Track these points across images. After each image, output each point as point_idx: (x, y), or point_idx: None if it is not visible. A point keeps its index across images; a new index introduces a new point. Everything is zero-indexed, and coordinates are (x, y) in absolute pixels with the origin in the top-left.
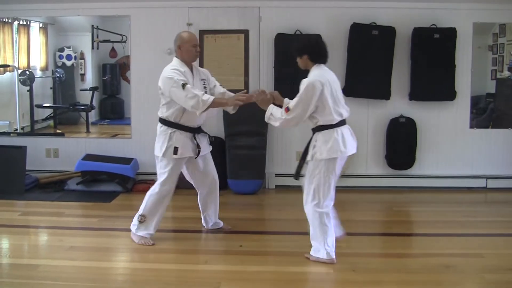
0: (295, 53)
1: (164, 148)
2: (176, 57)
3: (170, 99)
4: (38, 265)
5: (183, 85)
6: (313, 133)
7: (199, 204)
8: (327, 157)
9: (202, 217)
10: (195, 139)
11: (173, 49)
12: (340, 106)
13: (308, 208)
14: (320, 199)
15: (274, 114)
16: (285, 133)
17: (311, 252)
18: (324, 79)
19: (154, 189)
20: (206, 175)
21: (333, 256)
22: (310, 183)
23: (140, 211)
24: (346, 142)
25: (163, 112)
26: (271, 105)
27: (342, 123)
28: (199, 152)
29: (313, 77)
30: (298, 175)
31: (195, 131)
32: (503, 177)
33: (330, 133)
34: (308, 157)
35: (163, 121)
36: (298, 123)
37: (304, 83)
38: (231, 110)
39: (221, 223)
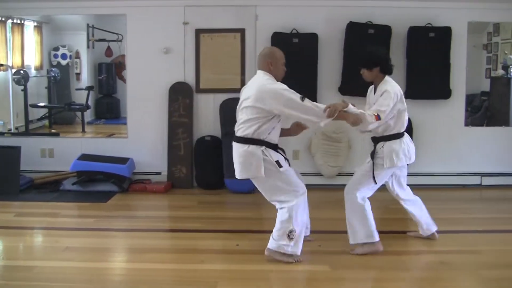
0: (365, 65)
1: (262, 167)
2: (263, 71)
3: (263, 115)
4: (33, 266)
5: (302, 98)
6: (379, 141)
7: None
8: (398, 165)
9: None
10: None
11: (168, 49)
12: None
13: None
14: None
15: (366, 115)
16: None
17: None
18: (396, 88)
19: (284, 203)
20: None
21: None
22: (370, 180)
23: (288, 224)
24: (411, 150)
25: (248, 131)
26: (354, 109)
27: (403, 134)
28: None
29: (393, 87)
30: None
31: (276, 147)
32: (498, 175)
33: (401, 142)
34: (380, 163)
35: (250, 140)
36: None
37: (388, 92)
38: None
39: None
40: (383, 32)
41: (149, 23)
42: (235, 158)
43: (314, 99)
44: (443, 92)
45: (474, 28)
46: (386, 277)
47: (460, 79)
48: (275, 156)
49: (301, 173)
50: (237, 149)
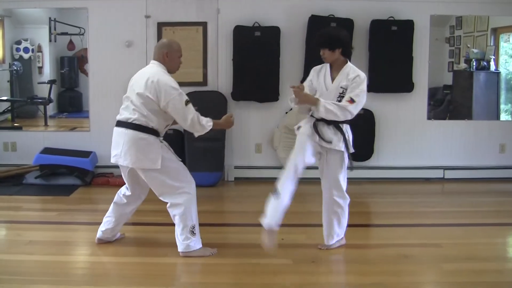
0: (327, 45)
1: (159, 159)
2: (157, 61)
3: (158, 109)
4: None
5: (187, 102)
6: (338, 124)
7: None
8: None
9: (110, 226)
10: None
11: (131, 42)
12: None
13: (342, 198)
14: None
15: (339, 104)
16: (244, 125)
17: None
18: None
19: (178, 198)
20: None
21: None
22: (341, 173)
23: (188, 223)
24: None
25: (149, 121)
26: (320, 100)
27: None
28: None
29: (362, 72)
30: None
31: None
32: (460, 168)
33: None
34: (340, 147)
35: (151, 131)
36: (350, 117)
37: (361, 78)
38: None
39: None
40: (345, 25)
41: (111, 17)
42: (130, 146)
43: (276, 92)
44: (405, 85)
45: (437, 22)
46: (349, 270)
47: (422, 73)
48: (168, 148)
49: (264, 167)
50: (135, 136)
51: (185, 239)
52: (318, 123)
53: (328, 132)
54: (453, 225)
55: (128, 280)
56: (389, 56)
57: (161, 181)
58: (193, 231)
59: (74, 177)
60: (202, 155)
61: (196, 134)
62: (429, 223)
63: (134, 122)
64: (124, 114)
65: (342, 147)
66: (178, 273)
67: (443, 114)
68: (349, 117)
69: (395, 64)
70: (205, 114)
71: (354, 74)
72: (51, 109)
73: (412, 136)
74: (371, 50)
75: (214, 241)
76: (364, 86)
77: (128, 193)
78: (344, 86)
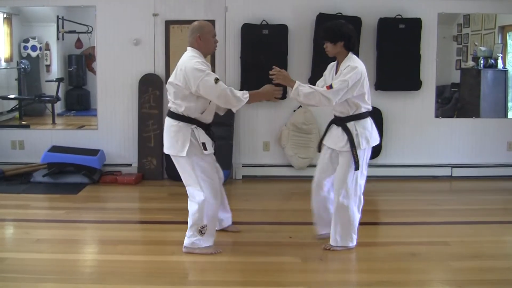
0: (329, 38)
1: (187, 146)
2: (191, 47)
3: (189, 93)
4: (4, 258)
5: (216, 80)
6: (346, 121)
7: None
8: (372, 144)
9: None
10: (209, 135)
11: (139, 40)
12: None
13: (347, 199)
14: (359, 188)
15: (315, 89)
16: (252, 124)
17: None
18: (364, 68)
19: (196, 196)
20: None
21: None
22: (349, 174)
23: (199, 222)
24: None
25: (179, 107)
26: (298, 82)
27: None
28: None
29: (358, 63)
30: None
31: (208, 127)
32: (468, 166)
33: (368, 121)
34: (345, 147)
35: (180, 117)
36: (333, 104)
37: (351, 67)
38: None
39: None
40: (353, 23)
41: (118, 15)
42: (165, 133)
43: (284, 91)
44: (413, 83)
45: (444, 20)
46: (356, 268)
47: (430, 71)
48: (203, 137)
49: (271, 165)
50: (168, 124)
51: (192, 236)
52: (332, 125)
53: (337, 132)
54: (461, 223)
55: (136, 278)
56: (397, 54)
57: (187, 170)
58: (201, 231)
59: (82, 175)
60: None
61: (234, 109)
62: (437, 221)
63: (170, 110)
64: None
65: (344, 147)
66: (186, 271)
67: (451, 112)
68: (327, 104)
69: (403, 62)
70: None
71: (347, 64)
72: (59, 107)
73: (419, 134)
74: (378, 48)
75: (222, 239)
76: (352, 75)
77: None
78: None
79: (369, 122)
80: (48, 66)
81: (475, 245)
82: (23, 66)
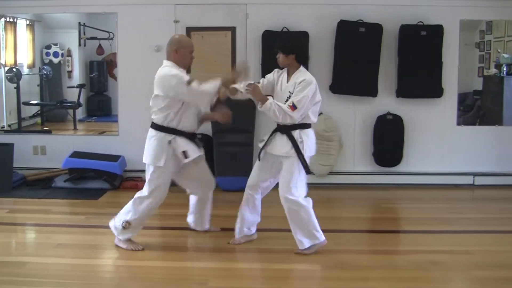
0: (282, 50)
1: (163, 157)
2: (167, 60)
3: (167, 102)
4: (25, 262)
5: (189, 82)
6: (292, 129)
7: (192, 206)
8: (313, 153)
9: (192, 218)
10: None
11: (160, 47)
12: None
13: (295, 200)
14: (303, 191)
15: (282, 107)
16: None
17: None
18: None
19: (144, 197)
20: (200, 178)
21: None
22: (296, 176)
23: (127, 216)
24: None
25: (158, 118)
26: (271, 98)
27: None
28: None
29: (309, 76)
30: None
31: (192, 137)
32: (490, 174)
33: (311, 132)
34: (287, 153)
35: (159, 127)
36: (295, 121)
37: (306, 81)
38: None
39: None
40: (374, 30)
41: (140, 22)
42: (146, 142)
43: None
44: (435, 90)
45: (467, 26)
46: (377, 276)
47: (452, 78)
48: (183, 146)
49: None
50: (149, 134)
51: (117, 223)
52: (276, 133)
53: (281, 139)
54: (483, 232)
55: (156, 284)
56: (418, 61)
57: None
58: (124, 226)
59: (103, 181)
60: (230, 160)
61: (207, 107)
62: (459, 230)
63: (152, 121)
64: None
65: (289, 153)
66: (206, 277)
67: (473, 120)
68: (289, 122)
69: (425, 69)
70: (233, 119)
71: (301, 78)
72: (80, 113)
73: (441, 142)
74: (400, 55)
75: (241, 246)
76: (308, 91)
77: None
78: (291, 90)
79: (312, 132)
80: (69, 72)
81: (498, 254)
82: (45, 72)
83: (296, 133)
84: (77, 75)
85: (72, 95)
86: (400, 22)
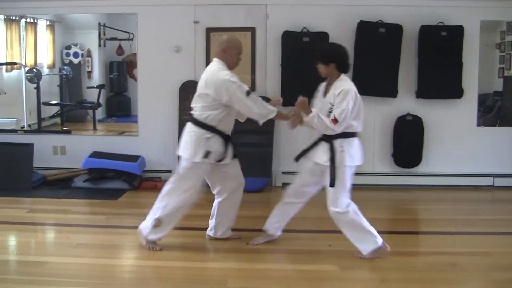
0: (321, 59)
1: (200, 153)
2: (217, 58)
3: (215, 104)
4: (45, 262)
5: (247, 93)
6: (334, 139)
7: (215, 210)
8: (356, 163)
9: (211, 224)
10: (226, 146)
11: (179, 47)
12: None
13: (339, 211)
14: (346, 199)
15: (324, 121)
16: (292, 131)
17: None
18: (355, 89)
19: (175, 193)
20: (231, 180)
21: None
22: (341, 188)
23: (157, 214)
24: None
25: (201, 115)
26: (315, 110)
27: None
28: (223, 159)
29: (350, 85)
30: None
31: (228, 138)
32: (510, 175)
33: (355, 141)
34: (327, 162)
35: (201, 124)
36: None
37: (344, 91)
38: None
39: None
40: (394, 31)
41: (160, 22)
42: (183, 136)
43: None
44: (455, 91)
45: (487, 27)
46: (396, 277)
47: (472, 79)
48: (214, 146)
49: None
50: (188, 129)
51: (147, 223)
52: (321, 141)
53: (324, 148)
54: (503, 234)
55: (175, 284)
56: (439, 62)
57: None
58: (155, 225)
59: (122, 181)
60: (249, 160)
61: (260, 122)
62: (478, 231)
63: (192, 116)
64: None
65: (327, 162)
66: (225, 278)
67: (493, 121)
68: (333, 133)
69: (445, 70)
70: (252, 120)
71: (339, 88)
72: (100, 113)
73: (461, 143)
74: (420, 56)
75: (261, 247)
76: (348, 102)
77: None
78: (332, 102)
79: (356, 141)
80: (89, 73)
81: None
82: (65, 72)
83: (337, 142)
84: (97, 76)
85: (92, 95)
86: (420, 22)
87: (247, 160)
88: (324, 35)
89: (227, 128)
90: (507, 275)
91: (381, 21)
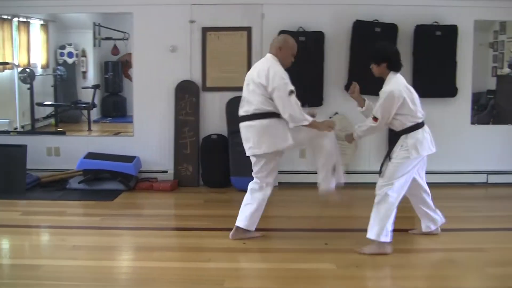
0: (373, 60)
1: (289, 135)
2: (271, 54)
3: (266, 94)
4: (40, 265)
5: (290, 92)
6: (400, 134)
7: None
8: (423, 153)
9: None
10: None
11: (175, 47)
12: (420, 107)
13: (383, 193)
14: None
15: (366, 122)
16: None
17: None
18: (401, 86)
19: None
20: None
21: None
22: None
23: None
24: (432, 141)
25: (267, 105)
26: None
27: (423, 123)
28: None
29: (392, 86)
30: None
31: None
32: (504, 173)
33: (419, 132)
34: (398, 158)
35: (271, 114)
36: (382, 130)
37: (384, 93)
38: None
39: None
40: (390, 30)
41: (155, 22)
42: (257, 134)
43: (320, 97)
44: (449, 90)
45: (481, 26)
46: (394, 275)
47: (466, 77)
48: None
49: (308, 171)
50: (259, 124)
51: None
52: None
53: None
54: (497, 230)
55: (172, 285)
56: (433, 61)
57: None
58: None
59: (118, 182)
60: (245, 160)
61: (291, 125)
62: (473, 228)
63: (254, 113)
64: (244, 108)
65: (394, 156)
66: (222, 278)
67: (487, 119)
68: (379, 131)
69: (439, 69)
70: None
71: (384, 88)
72: (95, 113)
73: (455, 141)
74: (415, 55)
75: (257, 246)
76: (384, 101)
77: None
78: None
79: (420, 132)
80: (84, 73)
81: (511, 251)
82: (59, 72)
83: (403, 137)
84: (92, 76)
85: (86, 95)
86: (415, 22)
87: (243, 159)
88: (320, 35)
89: None
90: (501, 270)
91: (377, 20)
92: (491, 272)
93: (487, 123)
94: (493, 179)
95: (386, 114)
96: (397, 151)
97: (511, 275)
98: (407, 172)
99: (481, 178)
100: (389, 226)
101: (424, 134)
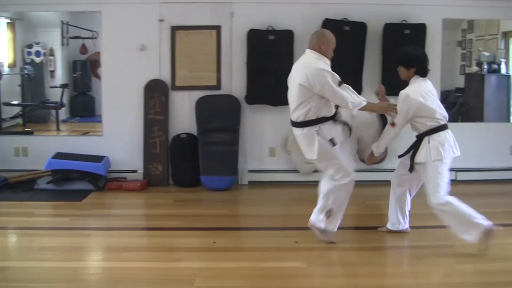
0: (403, 63)
1: (316, 147)
2: (311, 50)
3: (312, 94)
4: (7, 267)
5: (340, 83)
6: (423, 137)
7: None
8: (448, 155)
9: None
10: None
11: (144, 46)
12: (442, 110)
13: (436, 203)
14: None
15: (387, 127)
16: (258, 129)
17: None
18: (420, 90)
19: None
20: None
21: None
22: (431, 181)
23: (328, 205)
24: (456, 144)
25: (302, 115)
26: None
27: (447, 126)
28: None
29: (409, 90)
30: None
31: (332, 118)
32: (473, 170)
33: (440, 136)
34: (423, 159)
35: (304, 123)
36: (399, 135)
37: (401, 94)
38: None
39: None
40: (359, 29)
41: (124, 20)
42: (299, 142)
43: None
44: None
45: (449, 25)
46: (364, 272)
47: (435, 76)
48: (328, 133)
49: (277, 170)
50: (296, 133)
51: (318, 215)
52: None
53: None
54: None
55: (142, 285)
56: None
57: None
58: (328, 214)
59: (87, 182)
60: (215, 159)
61: (353, 111)
62: (442, 225)
63: (296, 120)
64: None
65: (418, 159)
66: (192, 277)
67: (455, 117)
68: (397, 136)
69: None
70: (218, 118)
71: (403, 91)
72: (63, 113)
73: None
74: (384, 53)
75: (228, 245)
76: (402, 104)
77: None
78: None
79: (441, 135)
80: (52, 72)
81: (479, 247)
82: (26, 72)
83: (425, 140)
84: (60, 75)
85: (55, 95)
86: (384, 20)
87: (213, 158)
88: (289, 33)
89: (329, 112)
90: (470, 266)
91: (346, 19)
92: (459, 268)
93: (456, 121)
94: (462, 176)
95: (402, 118)
96: (423, 153)
97: (478, 271)
98: (445, 175)
99: (450, 176)
100: (474, 215)
101: (447, 136)
